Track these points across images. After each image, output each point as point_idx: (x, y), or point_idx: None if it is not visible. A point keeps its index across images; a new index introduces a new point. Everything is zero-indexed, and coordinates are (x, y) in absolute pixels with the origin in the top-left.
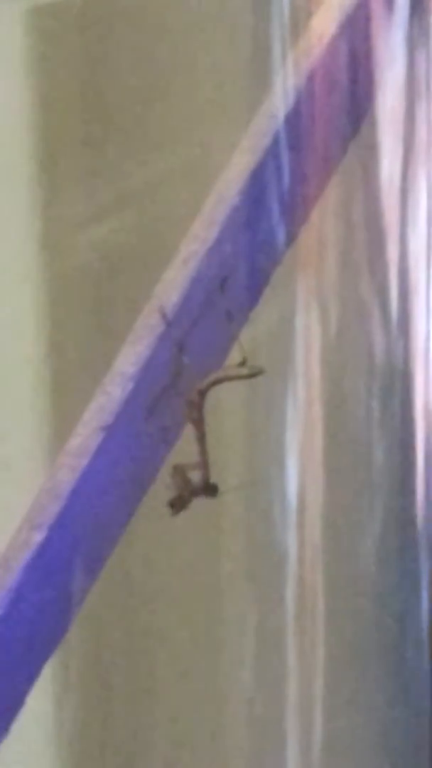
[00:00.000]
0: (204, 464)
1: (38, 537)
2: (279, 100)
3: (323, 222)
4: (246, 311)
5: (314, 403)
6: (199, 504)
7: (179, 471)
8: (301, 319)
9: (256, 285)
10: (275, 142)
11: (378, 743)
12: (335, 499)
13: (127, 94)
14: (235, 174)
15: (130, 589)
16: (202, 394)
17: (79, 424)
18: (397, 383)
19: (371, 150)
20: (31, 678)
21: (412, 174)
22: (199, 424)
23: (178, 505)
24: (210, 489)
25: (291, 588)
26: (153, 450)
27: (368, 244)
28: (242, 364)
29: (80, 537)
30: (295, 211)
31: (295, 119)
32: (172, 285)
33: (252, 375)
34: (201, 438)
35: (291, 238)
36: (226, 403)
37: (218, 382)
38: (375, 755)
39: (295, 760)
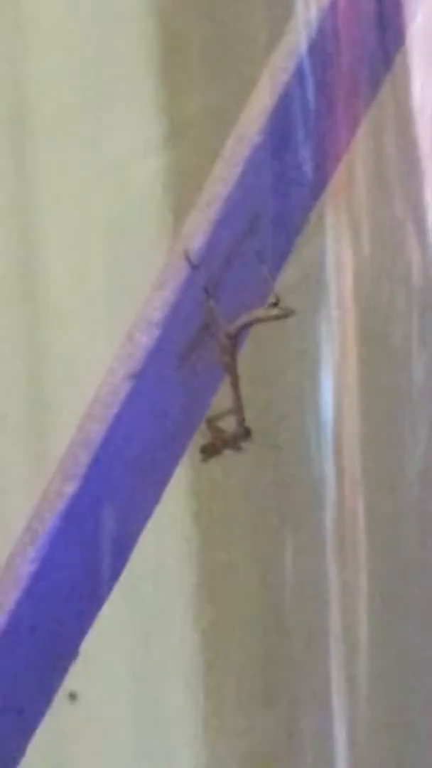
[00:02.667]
0: (238, 409)
1: (71, 488)
2: (301, 32)
3: (354, 149)
4: (280, 252)
5: (350, 330)
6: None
7: (213, 418)
8: (333, 246)
9: (290, 225)
10: (297, 77)
11: (421, 672)
12: (375, 425)
13: None
14: (256, 112)
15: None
16: (233, 337)
17: (107, 373)
18: None
19: (404, 73)
20: (82, 627)
21: None
22: (231, 368)
23: (210, 451)
24: (245, 434)
25: (331, 518)
26: (189, 398)
27: (402, 165)
28: (275, 304)
29: (114, 487)
30: (326, 149)
31: (318, 51)
32: (196, 228)
33: (283, 316)
34: (234, 382)
35: (324, 176)
36: (261, 340)
37: (249, 324)
38: (418, 686)
39: (339, 692)
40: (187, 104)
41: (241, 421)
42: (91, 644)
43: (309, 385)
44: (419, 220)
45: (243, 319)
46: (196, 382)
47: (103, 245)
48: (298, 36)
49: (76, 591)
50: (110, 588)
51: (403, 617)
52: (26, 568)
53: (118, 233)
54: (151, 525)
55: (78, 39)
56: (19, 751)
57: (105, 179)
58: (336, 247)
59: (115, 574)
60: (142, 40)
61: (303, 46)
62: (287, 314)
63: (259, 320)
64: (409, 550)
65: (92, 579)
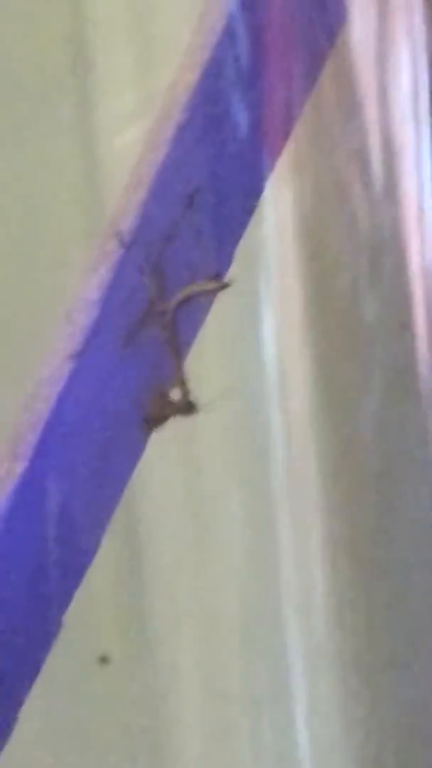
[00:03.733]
0: (180, 381)
1: (20, 467)
2: (221, 9)
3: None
4: (227, 226)
5: (294, 284)
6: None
7: (157, 389)
8: (272, 211)
9: (234, 200)
10: (219, 53)
11: (395, 627)
12: (325, 371)
13: None
14: (178, 90)
15: (125, 511)
16: (173, 311)
17: (48, 353)
18: (388, 248)
19: (345, 24)
20: (41, 609)
21: (391, 32)
22: (171, 342)
23: (153, 422)
24: (189, 406)
25: (283, 489)
26: (139, 376)
27: (342, 110)
28: (217, 277)
29: (63, 466)
30: (266, 123)
31: (244, 22)
32: (126, 209)
33: (219, 288)
34: (176, 356)
35: (268, 151)
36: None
37: (187, 298)
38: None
39: (298, 658)
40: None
41: (185, 394)
42: None
43: (254, 350)
44: (363, 164)
45: (180, 294)
46: (144, 360)
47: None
48: (222, 9)
49: (33, 570)
50: (78, 564)
51: (364, 579)
52: None
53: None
54: None
55: None
56: (12, 719)
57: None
58: (278, 211)
59: (84, 552)
60: None
61: (224, 21)
62: (223, 286)
63: (195, 294)
64: (369, 492)
65: (49, 558)
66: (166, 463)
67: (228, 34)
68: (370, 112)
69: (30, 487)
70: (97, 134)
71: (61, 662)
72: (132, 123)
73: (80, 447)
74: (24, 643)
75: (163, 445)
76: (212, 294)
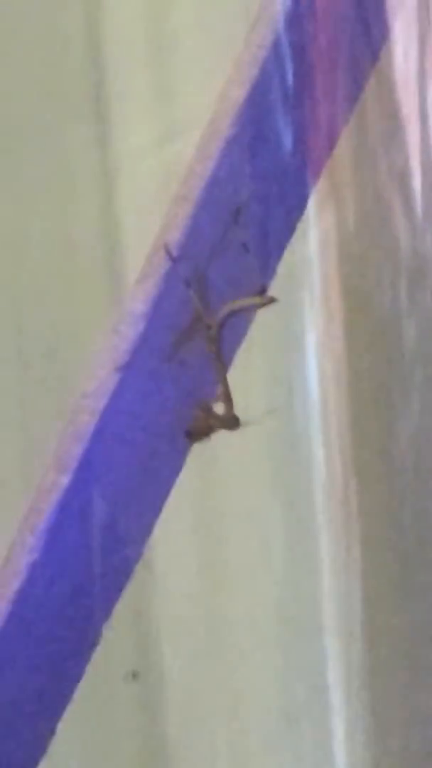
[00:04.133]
0: (225, 396)
1: (65, 480)
2: (273, 25)
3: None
4: (270, 241)
5: (335, 303)
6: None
7: (202, 404)
8: (316, 229)
9: (277, 215)
10: (269, 68)
11: (420, 639)
12: (364, 393)
13: None
14: (227, 105)
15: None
16: (218, 326)
17: (94, 366)
18: (428, 273)
19: (385, 39)
20: (84, 618)
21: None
22: (217, 356)
23: (195, 435)
24: (232, 421)
25: (324, 503)
26: (181, 389)
27: (385, 133)
28: (262, 292)
29: (108, 478)
30: (310, 139)
31: (294, 43)
32: (174, 222)
33: (265, 304)
34: (220, 371)
35: (311, 167)
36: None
37: (232, 313)
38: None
39: (334, 657)
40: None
41: (229, 407)
42: None
43: (297, 365)
44: (404, 185)
45: (225, 309)
46: (188, 374)
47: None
48: (270, 26)
49: (77, 579)
50: (122, 573)
51: (400, 597)
52: (25, 558)
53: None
54: None
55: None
56: (49, 731)
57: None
58: (321, 229)
59: (128, 561)
60: None
61: (276, 37)
62: (269, 302)
63: (242, 309)
64: (406, 528)
65: (94, 568)
66: (206, 477)
67: (275, 51)
68: (412, 134)
69: (74, 499)
70: (116, 162)
71: (94, 676)
72: (150, 152)
73: (124, 459)
74: (66, 654)
75: (205, 459)
76: (257, 309)
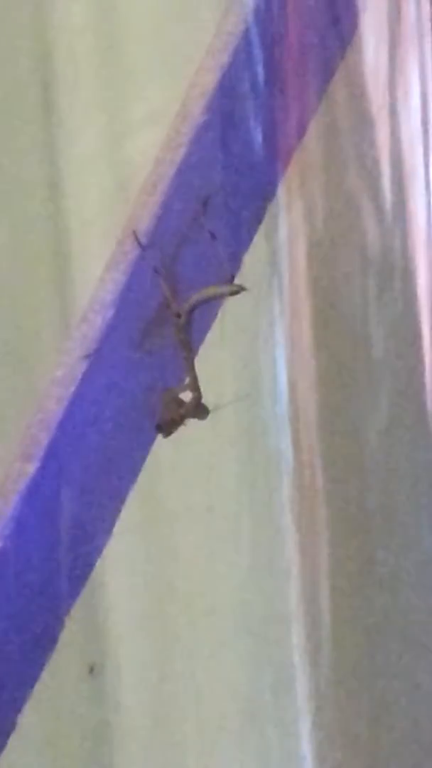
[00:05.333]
0: (193, 385)
1: (31, 467)
2: (245, 13)
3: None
4: (238, 231)
5: (303, 301)
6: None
7: (169, 394)
8: (284, 218)
9: (246, 204)
10: (241, 55)
11: (386, 637)
12: (332, 401)
13: None
14: (199, 91)
15: (145, 507)
16: (186, 314)
17: (62, 354)
18: (397, 270)
19: (356, 37)
20: (51, 606)
21: (401, 57)
22: (185, 344)
23: (167, 427)
24: (201, 410)
25: (291, 493)
26: (149, 377)
27: (355, 133)
28: (231, 280)
29: (75, 466)
30: (280, 128)
31: (264, 31)
32: (143, 210)
33: (234, 292)
34: (189, 359)
35: (280, 156)
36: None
37: (200, 302)
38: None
39: (303, 659)
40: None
41: (197, 397)
42: None
43: (267, 361)
44: (374, 186)
45: (194, 297)
46: (156, 362)
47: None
48: (242, 14)
49: (44, 568)
50: (86, 562)
51: (366, 594)
52: None
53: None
54: None
55: None
56: (11, 725)
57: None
58: (291, 223)
59: (92, 551)
60: None
61: (247, 25)
62: (238, 291)
63: (211, 298)
64: (371, 525)
65: (60, 556)
66: (177, 465)
67: (245, 40)
68: (381, 130)
69: (41, 487)
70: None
71: (54, 670)
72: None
73: (90, 448)
74: (29, 646)
75: (173, 447)
76: (226, 297)
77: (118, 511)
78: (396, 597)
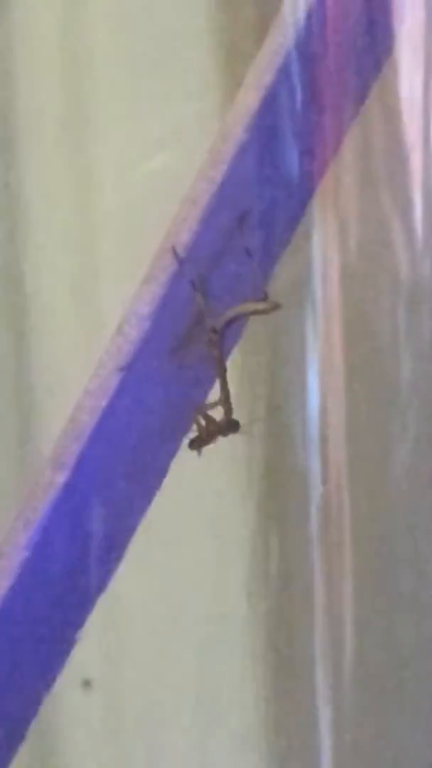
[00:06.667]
0: (225, 401)
1: (61, 478)
2: (287, 33)
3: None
4: (270, 248)
5: (336, 325)
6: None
7: (200, 410)
8: (319, 242)
9: (279, 222)
10: (284, 75)
11: (408, 666)
12: (361, 419)
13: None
14: (242, 110)
15: (161, 524)
16: (220, 331)
17: (97, 365)
18: (426, 297)
19: (392, 66)
20: (70, 618)
21: None
22: (219, 361)
23: (198, 443)
24: (232, 425)
25: (318, 515)
26: (180, 392)
27: (388, 161)
28: (264, 299)
29: (104, 478)
30: (314, 148)
31: (305, 50)
32: (183, 224)
33: (270, 310)
34: (222, 375)
35: (313, 175)
36: (248, 338)
37: (236, 318)
38: (404, 678)
39: (322, 680)
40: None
41: (229, 413)
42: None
43: (296, 380)
44: (406, 213)
45: (230, 312)
46: (187, 376)
47: (93, 241)
48: (285, 34)
49: (67, 579)
50: (105, 576)
51: (390, 613)
52: (18, 556)
53: (108, 229)
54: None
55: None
56: (21, 736)
57: (99, 175)
58: (324, 244)
59: (110, 564)
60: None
61: (289, 45)
62: (274, 308)
63: (247, 314)
64: (396, 545)
65: (84, 568)
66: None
67: (287, 59)
68: (415, 157)
69: (70, 498)
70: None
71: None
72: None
73: (119, 461)
74: (44, 654)
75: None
76: (262, 314)
77: (137, 525)
78: (420, 620)
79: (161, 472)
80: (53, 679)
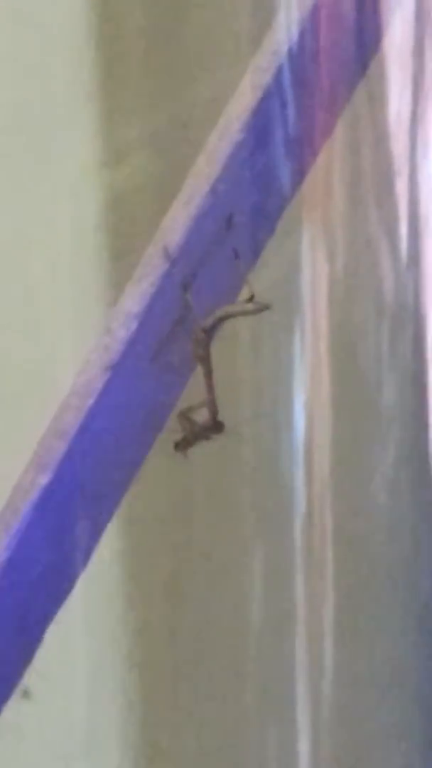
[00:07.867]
0: (211, 402)
1: (44, 479)
2: (282, 35)
3: (329, 158)
4: (255, 249)
5: (322, 339)
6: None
7: (185, 411)
8: (307, 255)
9: (265, 223)
10: (278, 78)
11: (391, 675)
12: (343, 434)
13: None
14: (238, 111)
15: (142, 529)
16: (208, 331)
17: (84, 364)
18: (409, 318)
19: (379, 85)
20: (43, 620)
21: (422, 108)
22: (205, 361)
23: (183, 445)
24: (216, 426)
25: (299, 524)
26: (163, 391)
27: (376, 180)
28: (250, 300)
29: (86, 478)
30: (302, 149)
31: (299, 55)
32: (175, 223)
33: (258, 310)
34: (208, 375)
35: (299, 175)
36: (234, 341)
37: (224, 318)
38: (387, 687)
39: (305, 692)
40: (128, 130)
41: (214, 414)
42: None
43: (281, 384)
44: (392, 233)
45: (218, 313)
46: (168, 376)
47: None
48: (281, 38)
49: (46, 579)
50: (74, 577)
51: (368, 620)
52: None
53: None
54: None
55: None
56: None
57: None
58: (311, 256)
59: (85, 563)
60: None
61: (285, 48)
62: (262, 309)
63: (235, 314)
64: (377, 557)
65: (63, 568)
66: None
67: (286, 60)
68: (401, 181)
69: (51, 499)
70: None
71: None
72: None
73: (102, 461)
74: (13, 656)
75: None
76: (249, 315)
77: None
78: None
79: (134, 470)
80: (15, 684)
